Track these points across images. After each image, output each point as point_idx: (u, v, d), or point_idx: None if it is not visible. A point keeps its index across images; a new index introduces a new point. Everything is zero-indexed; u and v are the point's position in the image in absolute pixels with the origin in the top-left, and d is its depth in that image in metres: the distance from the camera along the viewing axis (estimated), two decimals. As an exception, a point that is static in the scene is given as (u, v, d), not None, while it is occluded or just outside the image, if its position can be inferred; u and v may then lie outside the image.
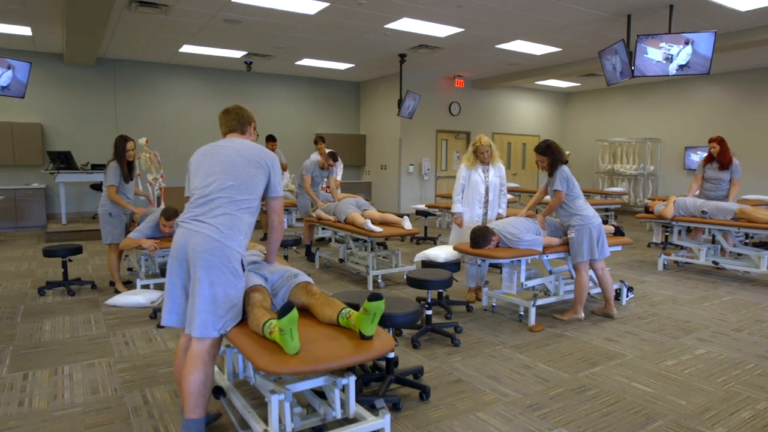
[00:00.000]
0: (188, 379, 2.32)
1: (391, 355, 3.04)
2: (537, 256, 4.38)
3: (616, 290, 4.92)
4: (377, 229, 5.34)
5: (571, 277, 4.74)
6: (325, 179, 7.05)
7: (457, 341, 3.89)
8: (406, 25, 7.68)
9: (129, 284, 5.49)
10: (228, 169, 2.51)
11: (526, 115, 13.89)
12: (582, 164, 13.78)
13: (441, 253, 4.74)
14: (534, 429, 2.69)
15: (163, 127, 10.78)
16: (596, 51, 8.31)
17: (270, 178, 2.61)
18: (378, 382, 3.13)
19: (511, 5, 6.73)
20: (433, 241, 8.36)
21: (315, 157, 7.13)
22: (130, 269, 6.12)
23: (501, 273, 4.54)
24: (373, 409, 2.66)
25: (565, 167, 4.40)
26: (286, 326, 2.06)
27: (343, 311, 2.40)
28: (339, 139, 12.36)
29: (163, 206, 6.11)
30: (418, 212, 8.76)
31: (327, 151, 6.94)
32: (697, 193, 6.52)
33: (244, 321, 2.48)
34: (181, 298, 2.48)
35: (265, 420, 2.48)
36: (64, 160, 8.80)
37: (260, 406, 2.82)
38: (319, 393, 2.62)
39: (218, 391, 2.73)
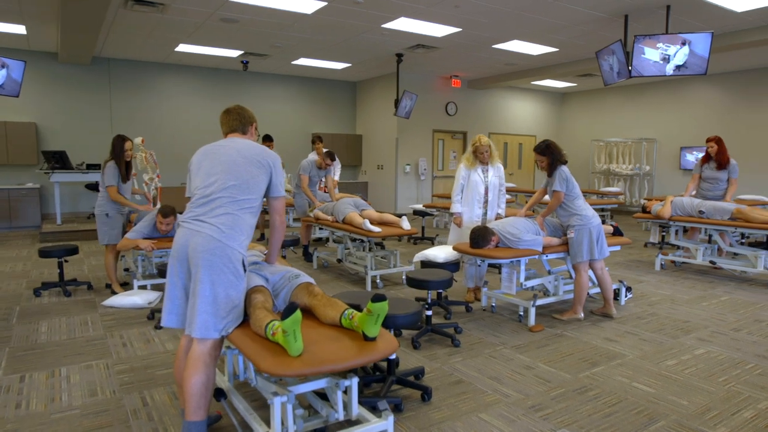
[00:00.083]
0: (189, 381, 2.29)
1: (393, 356, 3.02)
2: (536, 257, 4.37)
3: (614, 290, 4.93)
4: (376, 229, 5.32)
5: (570, 277, 4.74)
6: (323, 179, 7.03)
7: (458, 342, 3.88)
8: (403, 24, 7.67)
9: (126, 285, 5.45)
10: (229, 169, 2.49)
11: (522, 115, 13.91)
12: (578, 164, 13.81)
13: (440, 253, 4.72)
14: (537, 430, 2.68)
15: (159, 127, 10.72)
16: (593, 51, 8.33)
17: (272, 177, 2.60)
18: (379, 383, 3.12)
19: (509, 5, 6.72)
20: (431, 242, 8.35)
21: (312, 156, 7.11)
22: (126, 270, 6.07)
23: (500, 273, 4.54)
24: (375, 410, 2.64)
25: (564, 167, 4.40)
26: (290, 327, 2.04)
27: (346, 312, 2.38)
28: (335, 138, 12.33)
29: (159, 206, 6.08)
30: (416, 212, 8.75)
31: (324, 150, 6.92)
32: (694, 193, 6.54)
33: (245, 322, 2.46)
34: (181, 298, 2.46)
35: (267, 422, 2.46)
36: (58, 160, 8.74)
37: (261, 408, 2.80)
38: (321, 394, 2.61)
39: (219, 393, 2.71)
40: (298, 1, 6.61)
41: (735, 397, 3.04)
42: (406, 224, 5.56)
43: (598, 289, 4.83)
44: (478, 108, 12.95)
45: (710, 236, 6.43)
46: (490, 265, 5.41)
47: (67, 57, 9.19)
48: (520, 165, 14.07)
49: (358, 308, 2.46)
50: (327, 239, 7.84)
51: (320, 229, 7.37)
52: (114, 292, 5.18)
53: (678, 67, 6.71)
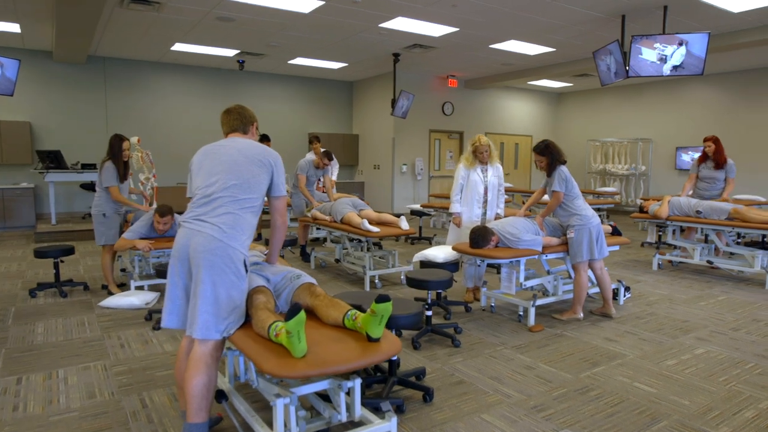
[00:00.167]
0: (191, 382, 2.27)
1: (394, 356, 3.00)
2: (536, 257, 4.37)
3: (613, 290, 4.93)
4: (374, 229, 5.31)
5: (569, 277, 4.74)
6: (320, 178, 7.00)
7: (458, 342, 3.87)
8: (400, 24, 7.65)
9: (123, 286, 5.41)
10: (231, 169, 2.47)
11: (518, 115, 13.93)
12: (574, 164, 13.82)
13: (440, 253, 4.71)
14: (539, 430, 2.67)
15: (154, 126, 10.66)
16: (590, 51, 8.34)
17: (273, 177, 2.58)
18: (380, 384, 3.10)
19: (506, 5, 6.72)
20: (428, 241, 8.35)
21: (310, 156, 7.08)
22: (123, 270, 6.03)
23: (498, 273, 4.53)
24: (377, 411, 2.63)
25: (563, 167, 4.40)
26: (294, 328, 2.02)
27: (349, 313, 2.36)
28: (332, 138, 12.31)
29: (155, 206, 6.04)
30: (413, 212, 8.74)
31: (322, 150, 6.90)
32: (691, 192, 6.56)
33: (247, 323, 2.44)
34: (182, 299, 2.43)
35: (269, 424, 2.44)
36: (53, 160, 8.68)
37: (262, 410, 2.77)
38: (323, 396, 2.59)
39: (220, 395, 2.69)
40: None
41: (736, 397, 3.04)
42: (404, 224, 5.55)
43: (597, 289, 4.83)
44: (475, 108, 12.95)
45: (707, 236, 6.46)
46: (489, 265, 5.41)
47: (61, 56, 9.12)
48: (516, 165, 14.09)
49: (360, 309, 2.44)
50: (324, 239, 7.82)
51: (317, 229, 7.35)
52: (111, 293, 5.14)
53: (675, 67, 6.73)
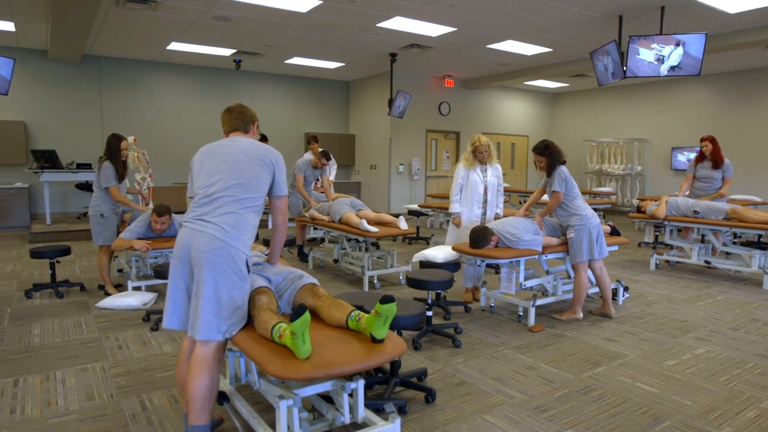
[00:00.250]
0: (193, 384, 2.25)
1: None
2: (536, 257, 4.36)
3: (612, 290, 4.93)
4: (373, 229, 5.29)
5: (569, 277, 4.74)
6: (318, 178, 6.98)
7: (459, 342, 3.86)
8: (398, 24, 7.64)
9: (119, 287, 5.37)
10: (233, 168, 2.45)
11: (514, 115, 13.94)
12: (570, 164, 13.69)
13: (439, 253, 4.70)
14: (543, 431, 2.66)
15: (150, 126, 10.60)
16: (587, 51, 8.35)
17: (275, 176, 2.56)
18: (381, 384, 3.09)
19: (504, 5, 6.72)
20: (426, 241, 8.33)
21: (308, 156, 7.06)
22: (120, 271, 5.99)
23: (497, 273, 4.52)
24: (380, 412, 2.61)
25: (563, 167, 4.40)
26: (299, 329, 2.00)
27: (353, 314, 2.34)
28: (328, 138, 12.27)
29: (152, 206, 6.00)
30: (410, 212, 8.73)
31: (320, 150, 6.87)
32: (688, 193, 6.58)
33: (249, 324, 2.41)
34: (183, 300, 2.41)
35: (271, 425, 2.42)
36: (48, 159, 8.61)
37: (264, 411, 2.75)
38: (325, 397, 2.57)
39: (221, 397, 2.67)
40: (294, -1, 6.57)
41: (738, 397, 3.05)
42: (403, 224, 5.53)
43: (596, 289, 4.83)
44: (471, 108, 12.96)
45: (703, 236, 6.48)
46: (487, 265, 5.40)
47: (56, 54, 9.06)
48: (512, 165, 14.10)
49: (363, 309, 2.42)
50: (322, 239, 7.79)
51: (315, 229, 7.33)
52: (107, 294, 5.10)
53: (672, 67, 6.75)
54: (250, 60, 10.24)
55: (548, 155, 4.39)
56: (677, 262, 6.71)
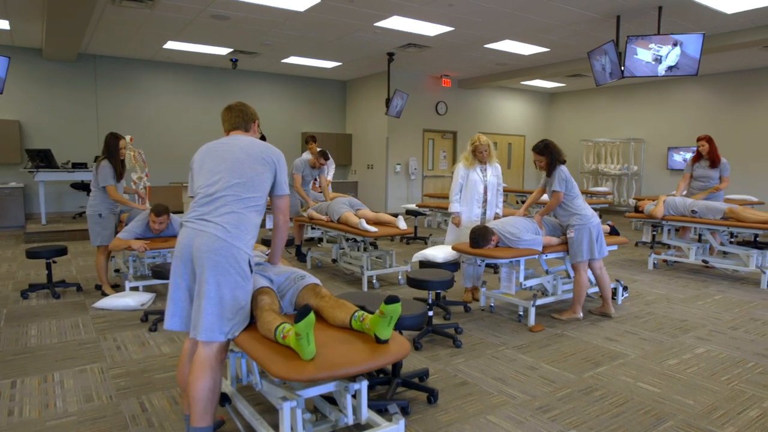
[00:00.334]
0: (195, 386, 2.22)
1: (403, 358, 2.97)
2: (536, 256, 4.36)
3: (612, 289, 4.93)
4: (372, 228, 5.27)
5: (569, 277, 4.74)
6: (317, 178, 6.96)
7: (459, 342, 3.84)
8: (396, 23, 7.62)
9: (116, 287, 5.33)
10: (234, 167, 2.42)
11: (511, 115, 13.95)
12: (567, 164, 13.84)
13: (439, 253, 4.69)
14: (546, 431, 2.65)
15: (147, 125, 10.54)
16: (584, 51, 8.36)
17: (276, 175, 2.53)
18: (383, 385, 3.07)
19: (503, 4, 6.71)
20: (424, 241, 8.32)
21: (306, 156, 7.02)
22: (117, 271, 5.94)
23: (496, 273, 4.51)
24: (383, 413, 2.60)
25: (563, 167, 4.40)
26: (303, 330, 1.97)
27: (356, 314, 2.33)
28: (325, 137, 12.25)
29: (148, 205, 5.96)
30: (408, 212, 8.71)
31: (318, 149, 6.85)
32: (685, 192, 6.59)
33: (251, 325, 2.39)
34: (185, 300, 2.38)
35: (274, 427, 2.41)
36: (43, 159, 8.54)
37: (265, 413, 2.73)
38: (327, 398, 2.55)
39: (223, 398, 2.64)
40: (292, -2, 6.54)
41: (739, 396, 3.05)
42: (402, 224, 5.52)
43: (596, 289, 4.83)
44: (468, 108, 12.95)
45: (700, 235, 6.50)
46: (487, 265, 5.39)
47: (52, 53, 8.99)
48: (509, 165, 14.10)
49: (366, 310, 2.41)
50: (320, 239, 7.77)
51: (312, 228, 7.30)
52: (105, 294, 5.06)
53: (670, 67, 6.76)
54: (247, 59, 10.20)
55: (548, 155, 4.39)
56: (675, 261, 6.73)
